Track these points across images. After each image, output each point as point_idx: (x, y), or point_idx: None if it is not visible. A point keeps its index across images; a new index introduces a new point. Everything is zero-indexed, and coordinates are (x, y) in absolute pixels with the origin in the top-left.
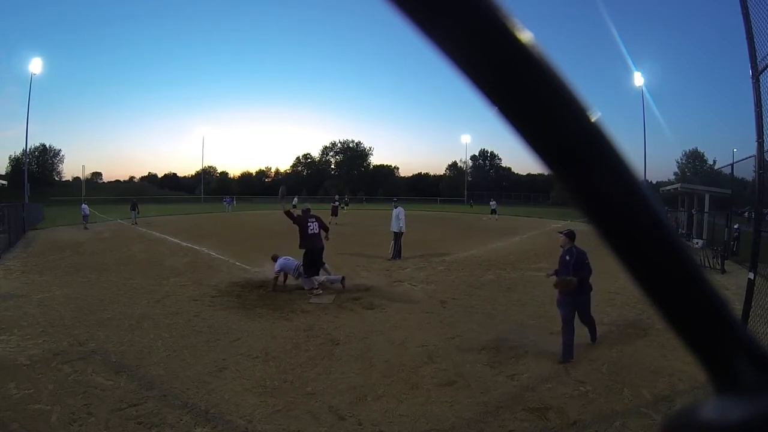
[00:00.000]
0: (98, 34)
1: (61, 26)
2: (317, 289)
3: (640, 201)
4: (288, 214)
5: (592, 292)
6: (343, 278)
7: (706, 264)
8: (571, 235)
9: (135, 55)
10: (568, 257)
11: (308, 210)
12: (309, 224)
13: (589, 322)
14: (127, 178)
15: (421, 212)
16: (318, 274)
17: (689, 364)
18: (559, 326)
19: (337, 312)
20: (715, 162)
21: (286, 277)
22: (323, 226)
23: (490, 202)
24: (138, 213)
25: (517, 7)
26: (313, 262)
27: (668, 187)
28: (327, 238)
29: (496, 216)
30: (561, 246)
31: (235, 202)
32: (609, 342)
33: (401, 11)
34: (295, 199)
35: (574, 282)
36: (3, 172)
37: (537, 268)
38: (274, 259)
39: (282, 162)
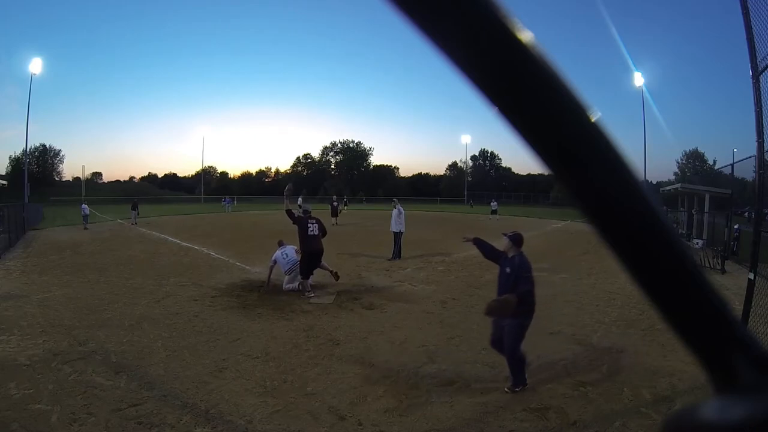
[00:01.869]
0: (98, 34)
1: (60, 26)
2: (309, 291)
3: (640, 201)
4: (289, 213)
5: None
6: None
7: (706, 264)
8: (516, 240)
9: (135, 55)
10: (509, 269)
11: (307, 212)
12: (309, 226)
13: (515, 360)
14: (127, 178)
15: (421, 212)
16: (312, 273)
17: (689, 364)
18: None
19: (337, 312)
20: (715, 162)
21: None
22: (323, 230)
23: (491, 203)
24: (138, 213)
25: (517, 7)
26: (310, 264)
27: (668, 187)
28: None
29: (497, 216)
30: (504, 251)
31: (235, 202)
32: (609, 342)
33: (401, 11)
34: (300, 199)
35: (512, 303)
36: (3, 172)
37: (538, 268)
38: (280, 244)
39: (282, 162)
